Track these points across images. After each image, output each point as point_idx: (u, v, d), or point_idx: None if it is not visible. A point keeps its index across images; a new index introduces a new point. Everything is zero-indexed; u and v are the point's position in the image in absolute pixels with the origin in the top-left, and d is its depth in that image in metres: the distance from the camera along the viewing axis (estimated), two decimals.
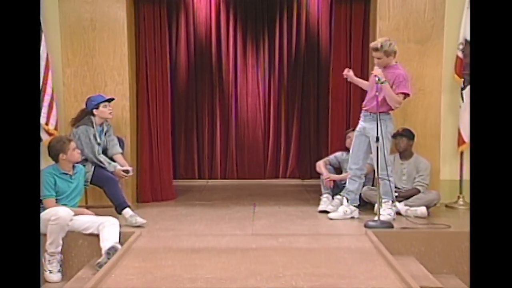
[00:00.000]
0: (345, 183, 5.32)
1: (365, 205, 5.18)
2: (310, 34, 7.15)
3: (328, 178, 5.40)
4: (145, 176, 5.76)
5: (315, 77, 7.22)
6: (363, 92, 5.28)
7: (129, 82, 5.47)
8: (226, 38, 7.17)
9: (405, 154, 5.27)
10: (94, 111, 4.98)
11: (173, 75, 6.95)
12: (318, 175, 5.60)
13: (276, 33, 7.19)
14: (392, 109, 4.77)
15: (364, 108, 4.89)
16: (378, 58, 4.70)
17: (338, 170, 5.68)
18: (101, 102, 4.99)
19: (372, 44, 4.80)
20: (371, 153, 4.84)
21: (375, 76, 4.68)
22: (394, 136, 5.12)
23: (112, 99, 5.11)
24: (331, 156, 5.67)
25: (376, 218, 4.64)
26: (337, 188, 5.47)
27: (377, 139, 4.61)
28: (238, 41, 7.18)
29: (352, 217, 4.96)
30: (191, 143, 7.26)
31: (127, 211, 4.70)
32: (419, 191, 5.15)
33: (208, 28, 7.15)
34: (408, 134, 5.24)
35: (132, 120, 5.57)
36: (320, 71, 7.16)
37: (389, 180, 4.75)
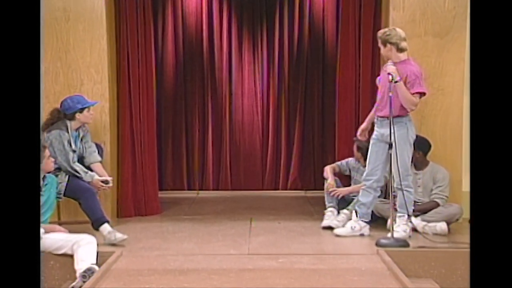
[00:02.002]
0: (354, 197, 5.35)
1: (377, 220, 5.16)
2: (314, 26, 7.17)
3: (334, 190, 5.40)
4: (127, 187, 5.76)
5: (319, 75, 7.23)
6: (375, 92, 5.26)
7: (109, 81, 5.46)
8: (219, 31, 7.18)
9: (417, 164, 5.26)
10: (77, 115, 4.97)
11: (159, 73, 6.95)
12: (323, 186, 5.61)
13: (276, 25, 7.21)
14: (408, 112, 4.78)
15: (378, 115, 4.89)
16: (379, 48, 4.77)
17: (347, 178, 5.68)
18: (87, 107, 4.99)
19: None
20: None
21: (388, 74, 4.68)
22: None
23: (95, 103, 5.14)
24: (343, 162, 5.69)
25: (389, 235, 4.62)
26: (344, 202, 5.47)
27: (390, 145, 4.63)
28: (232, 34, 7.19)
29: (362, 234, 4.95)
30: (180, 150, 7.25)
31: (106, 227, 4.68)
32: (437, 205, 5.14)
33: (198, 20, 7.16)
34: (416, 146, 5.06)
35: (112, 124, 5.56)
36: (326, 69, 7.17)
37: (407, 191, 4.75)
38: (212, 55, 7.20)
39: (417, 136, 5.05)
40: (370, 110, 5.09)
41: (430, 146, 5.26)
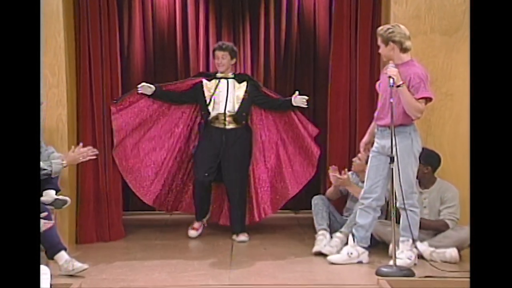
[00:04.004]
0: (347, 217, 5.39)
1: (377, 245, 5.18)
2: (304, 22, 7.14)
3: (335, 175, 5.50)
4: (88, 208, 5.73)
5: (310, 79, 7.21)
6: (372, 98, 5.25)
7: (67, 84, 5.45)
8: (194, 27, 7.13)
9: (423, 181, 5.29)
10: None
11: (125, 75, 6.84)
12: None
13: (261, 21, 7.17)
14: (413, 120, 4.79)
15: (379, 124, 4.89)
16: (378, 47, 4.79)
17: (343, 199, 5.70)
18: None
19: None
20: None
21: (389, 77, 4.68)
22: None
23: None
24: None
25: (391, 262, 4.62)
26: (336, 224, 5.49)
27: (391, 159, 4.63)
28: (210, 31, 7.13)
29: (360, 262, 4.94)
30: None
31: (62, 256, 4.65)
32: (447, 226, 5.16)
33: (171, 14, 7.11)
34: (422, 159, 5.08)
35: (71, 134, 5.52)
36: (317, 71, 7.15)
37: (411, 211, 4.76)
38: (186, 55, 7.13)
39: (424, 149, 5.06)
40: (370, 120, 5.08)
41: (439, 160, 5.28)
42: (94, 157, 5.12)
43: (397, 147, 4.61)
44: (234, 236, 5.82)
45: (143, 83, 5.92)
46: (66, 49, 5.39)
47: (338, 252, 5.05)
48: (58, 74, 5.36)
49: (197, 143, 5.99)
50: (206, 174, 5.81)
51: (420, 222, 4.97)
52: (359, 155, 5.45)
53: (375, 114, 4.97)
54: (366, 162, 5.16)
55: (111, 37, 5.75)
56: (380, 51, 4.87)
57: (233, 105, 5.86)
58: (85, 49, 5.66)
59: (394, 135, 4.62)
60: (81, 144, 5.02)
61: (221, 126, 5.85)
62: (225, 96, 5.86)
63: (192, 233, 5.98)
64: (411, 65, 4.77)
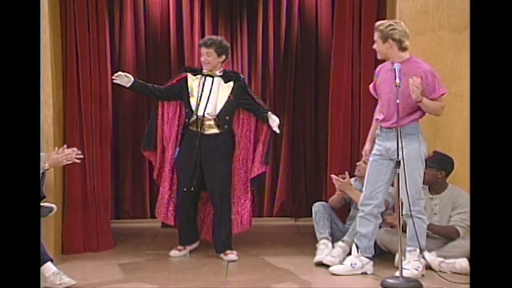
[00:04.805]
0: (350, 225, 5.39)
1: (382, 255, 5.19)
2: (305, 17, 7.16)
3: (337, 180, 5.46)
4: (75, 216, 5.72)
5: (311, 78, 7.24)
6: (376, 99, 5.23)
7: (53, 84, 5.43)
8: (189, 23, 7.14)
9: (435, 187, 5.29)
10: None
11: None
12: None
13: (259, 17, 7.19)
14: (420, 117, 4.82)
15: (384, 126, 4.88)
16: (373, 42, 4.82)
17: (346, 207, 5.69)
18: None
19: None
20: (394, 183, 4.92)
21: (395, 77, 4.68)
22: None
23: None
24: None
25: (397, 273, 4.60)
26: (339, 232, 5.48)
27: (398, 163, 4.62)
28: (206, 28, 7.13)
29: (364, 273, 4.93)
30: (142, 170, 7.17)
31: (49, 268, 4.61)
32: (457, 233, 5.15)
33: (164, 10, 7.12)
34: (436, 164, 5.16)
35: (57, 137, 5.50)
36: (319, 70, 7.17)
37: (418, 219, 4.75)
38: (181, 53, 7.15)
39: (436, 152, 5.15)
40: (371, 120, 5.07)
41: (453, 164, 5.29)
42: (78, 161, 5.01)
43: (404, 151, 4.62)
44: (221, 255, 5.48)
45: (119, 72, 5.52)
46: (51, 47, 5.37)
47: (340, 262, 5.05)
48: (44, 73, 5.30)
49: (179, 149, 5.60)
50: (186, 189, 5.44)
51: (429, 228, 4.97)
52: (364, 158, 5.41)
53: (376, 117, 4.97)
54: None
55: (99, 34, 5.73)
56: (375, 47, 4.88)
57: (214, 107, 5.47)
58: (71, 47, 5.65)
59: (401, 137, 4.61)
60: (65, 146, 4.96)
61: (198, 130, 5.46)
62: (207, 96, 5.48)
63: (174, 253, 5.57)
64: (415, 63, 4.78)
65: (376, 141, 4.95)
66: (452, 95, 5.32)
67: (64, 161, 4.87)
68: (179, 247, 5.60)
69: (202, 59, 5.56)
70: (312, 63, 7.19)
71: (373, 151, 4.94)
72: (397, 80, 4.62)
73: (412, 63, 4.78)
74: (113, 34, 6.96)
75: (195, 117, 5.47)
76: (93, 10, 5.69)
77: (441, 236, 5.13)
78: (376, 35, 4.83)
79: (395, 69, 4.66)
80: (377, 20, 5.68)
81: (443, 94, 4.80)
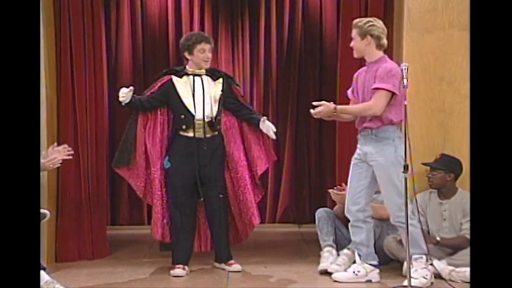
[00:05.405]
0: None
1: (389, 263, 5.21)
2: (309, 16, 7.17)
3: (337, 192, 5.42)
4: (69, 223, 5.71)
5: (316, 78, 7.26)
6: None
7: (46, 85, 5.43)
8: (189, 22, 7.14)
9: (444, 191, 5.29)
10: None
11: (112, 75, 6.95)
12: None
13: (261, 15, 7.21)
14: (400, 121, 4.79)
15: (359, 128, 4.96)
16: (351, 39, 4.91)
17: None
18: None
19: None
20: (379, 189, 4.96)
21: (402, 77, 4.66)
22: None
23: None
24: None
25: (405, 283, 4.59)
26: (343, 239, 5.48)
27: (405, 167, 4.57)
28: (206, 27, 7.13)
29: (369, 281, 4.94)
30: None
31: (42, 276, 4.53)
32: (468, 242, 5.07)
33: (162, 8, 7.13)
34: (444, 166, 5.17)
35: (50, 140, 5.45)
36: (324, 70, 7.18)
37: (408, 225, 4.70)
38: (179, 52, 7.01)
39: (444, 155, 5.17)
40: None
41: (462, 167, 5.28)
42: (70, 157, 4.86)
43: (379, 156, 4.76)
44: (223, 265, 5.35)
45: (124, 91, 5.09)
46: (45, 47, 5.37)
47: (346, 270, 5.02)
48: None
49: (167, 158, 5.30)
50: (182, 197, 5.24)
51: (439, 243, 5.03)
52: None
53: (357, 120, 4.99)
54: None
55: (95, 32, 5.74)
56: (352, 44, 4.94)
57: (211, 108, 5.30)
58: (66, 46, 5.66)
59: (408, 139, 4.58)
60: (55, 144, 4.86)
61: (200, 135, 5.26)
62: (201, 97, 5.30)
63: (177, 271, 5.20)
64: (382, 61, 4.85)
65: (358, 145, 5.01)
66: (462, 96, 5.32)
67: (51, 165, 4.79)
68: (179, 265, 5.24)
69: (204, 56, 5.35)
70: (316, 64, 7.21)
71: (354, 155, 5.00)
72: (405, 81, 4.60)
73: (381, 61, 4.84)
74: (109, 33, 6.96)
75: (191, 121, 5.25)
76: (88, 7, 5.70)
77: (453, 249, 5.11)
78: (354, 32, 4.90)
79: (402, 69, 4.64)
80: (385, 18, 5.72)
81: (377, 89, 4.75)
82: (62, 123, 5.69)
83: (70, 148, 4.87)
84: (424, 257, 4.78)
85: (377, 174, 4.83)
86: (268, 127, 5.38)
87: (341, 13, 6.22)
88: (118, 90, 5.11)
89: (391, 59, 5.60)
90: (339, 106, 4.86)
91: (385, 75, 4.74)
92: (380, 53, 4.89)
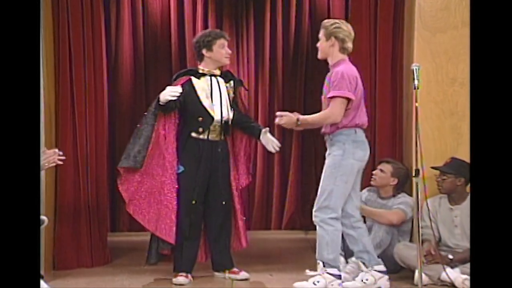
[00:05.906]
0: None
1: (400, 271, 5.23)
2: (316, 14, 7.15)
3: None
4: (68, 229, 5.71)
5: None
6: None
7: (44, 86, 5.42)
8: (192, 21, 7.15)
9: (454, 196, 5.28)
10: None
11: (112, 75, 6.95)
12: None
13: (267, 13, 7.21)
14: (356, 125, 4.84)
15: (321, 133, 5.03)
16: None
17: None
18: None
19: None
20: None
21: (413, 78, 4.69)
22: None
23: None
24: None
25: None
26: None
27: (417, 172, 4.57)
28: (209, 25, 7.11)
29: None
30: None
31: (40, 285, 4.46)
32: None
33: (165, 6, 7.14)
34: (454, 170, 5.15)
35: (48, 143, 5.45)
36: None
37: (320, 227, 4.83)
38: (182, 52, 7.17)
39: (454, 158, 5.17)
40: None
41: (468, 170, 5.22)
42: (61, 162, 4.72)
43: (328, 158, 4.85)
44: (227, 274, 5.29)
45: (179, 90, 5.12)
46: (43, 47, 5.36)
47: (354, 279, 5.01)
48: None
49: (178, 161, 5.25)
50: (194, 202, 5.19)
51: (452, 261, 5.04)
52: (380, 166, 5.46)
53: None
54: (392, 175, 5.31)
55: (94, 31, 5.75)
56: (318, 44, 5.00)
57: (227, 110, 5.29)
58: (65, 46, 5.66)
59: (417, 141, 4.57)
60: (44, 149, 4.78)
61: (214, 137, 5.23)
62: (219, 99, 5.26)
63: (180, 279, 5.16)
64: (341, 64, 4.88)
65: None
66: None
67: (46, 164, 4.73)
68: (181, 273, 5.19)
69: (225, 52, 5.28)
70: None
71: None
72: (416, 82, 4.59)
73: (339, 65, 4.88)
74: (109, 32, 6.97)
75: (209, 123, 5.19)
76: (88, 5, 5.70)
77: (466, 262, 5.00)
78: (321, 33, 4.96)
79: (413, 70, 4.64)
80: (395, 17, 5.81)
81: (333, 97, 4.78)
82: (61, 127, 5.70)
83: (61, 153, 4.76)
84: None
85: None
86: (268, 140, 5.33)
87: (350, 12, 6.22)
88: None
89: (401, 59, 5.65)
90: (301, 117, 4.87)
91: (337, 80, 4.78)
92: (342, 56, 4.92)
